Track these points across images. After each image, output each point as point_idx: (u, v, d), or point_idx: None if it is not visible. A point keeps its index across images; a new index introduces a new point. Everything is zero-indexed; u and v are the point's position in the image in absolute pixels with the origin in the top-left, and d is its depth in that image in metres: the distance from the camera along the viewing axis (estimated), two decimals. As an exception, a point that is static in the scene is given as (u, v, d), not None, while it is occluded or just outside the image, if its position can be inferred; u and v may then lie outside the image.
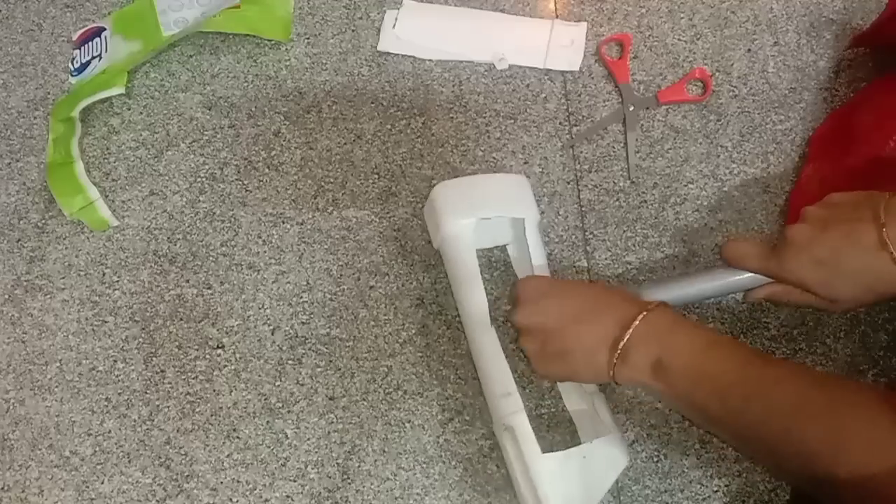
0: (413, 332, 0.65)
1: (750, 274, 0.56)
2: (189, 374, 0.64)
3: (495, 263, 0.66)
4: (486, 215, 0.61)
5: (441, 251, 0.63)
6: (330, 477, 0.61)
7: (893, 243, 0.49)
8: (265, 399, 0.63)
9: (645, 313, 0.50)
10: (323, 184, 0.70)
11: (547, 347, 0.54)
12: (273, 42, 0.76)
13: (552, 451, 0.53)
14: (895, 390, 0.44)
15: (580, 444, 0.56)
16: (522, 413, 0.55)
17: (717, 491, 0.59)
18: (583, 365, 0.53)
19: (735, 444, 0.57)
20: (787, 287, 0.55)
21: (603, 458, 0.55)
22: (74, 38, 0.79)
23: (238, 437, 0.62)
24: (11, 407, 0.64)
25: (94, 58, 0.77)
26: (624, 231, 0.67)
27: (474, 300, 0.59)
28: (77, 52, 0.78)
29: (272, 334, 0.65)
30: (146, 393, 0.64)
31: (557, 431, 0.61)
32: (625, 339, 0.50)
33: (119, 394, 0.64)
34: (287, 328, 0.65)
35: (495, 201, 0.62)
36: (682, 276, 0.60)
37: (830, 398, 0.44)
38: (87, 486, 0.62)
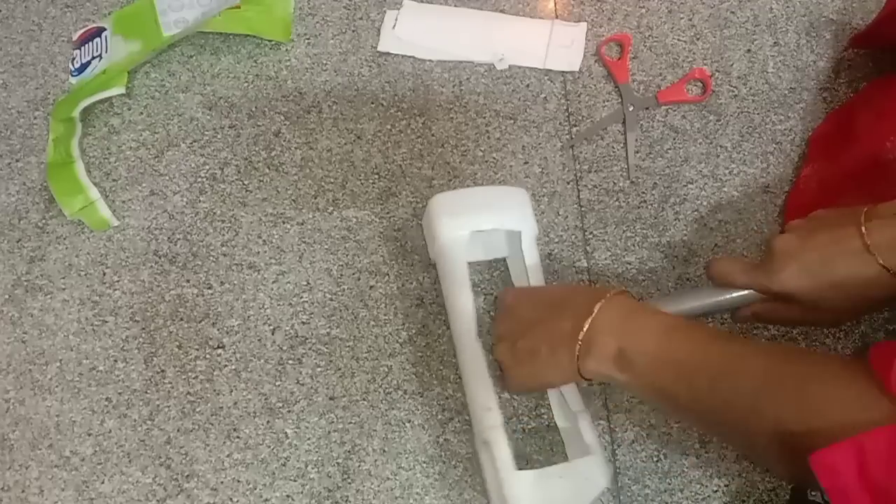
0: (413, 332, 0.65)
1: (737, 293, 0.56)
2: (189, 373, 0.64)
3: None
4: (481, 227, 0.60)
5: (436, 262, 0.63)
6: (330, 476, 0.61)
7: (876, 247, 0.49)
8: (265, 399, 0.63)
9: (602, 302, 0.50)
10: (323, 184, 0.70)
11: (516, 351, 0.55)
12: (273, 42, 0.76)
13: (530, 468, 0.54)
14: (860, 358, 0.43)
15: (566, 461, 0.56)
16: (500, 429, 0.54)
17: (716, 491, 0.59)
18: (550, 364, 0.53)
19: (706, 429, 0.57)
20: (773, 304, 0.55)
21: (581, 478, 0.54)
22: (74, 38, 0.79)
23: (238, 437, 0.62)
24: (11, 407, 0.64)
25: (94, 58, 0.77)
26: (624, 231, 0.67)
27: (462, 311, 0.59)
28: (77, 52, 0.78)
29: (272, 334, 0.65)
30: (146, 393, 0.64)
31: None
32: (584, 330, 0.50)
33: (119, 394, 0.64)
34: (287, 328, 0.65)
35: (492, 214, 0.61)
36: (668, 296, 0.59)
37: (797, 370, 0.44)
38: (87, 486, 0.62)
